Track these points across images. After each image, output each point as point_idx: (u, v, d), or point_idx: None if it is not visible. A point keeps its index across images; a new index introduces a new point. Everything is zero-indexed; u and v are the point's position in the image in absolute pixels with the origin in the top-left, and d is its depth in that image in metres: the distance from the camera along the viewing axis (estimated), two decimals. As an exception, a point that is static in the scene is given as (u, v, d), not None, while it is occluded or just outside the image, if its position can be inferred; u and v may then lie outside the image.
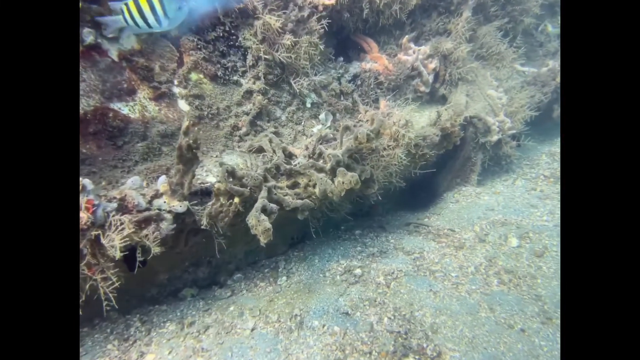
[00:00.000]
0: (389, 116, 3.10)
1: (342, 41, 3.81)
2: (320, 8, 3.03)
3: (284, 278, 2.90)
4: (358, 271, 2.89)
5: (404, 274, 2.85)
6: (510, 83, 4.81)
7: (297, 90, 2.93)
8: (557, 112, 5.22)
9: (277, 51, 2.73)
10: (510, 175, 4.47)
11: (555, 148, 4.87)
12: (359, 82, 3.53)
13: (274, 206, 2.15)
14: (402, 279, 2.79)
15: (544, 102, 4.56)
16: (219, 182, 2.12)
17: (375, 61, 3.71)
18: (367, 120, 3.30)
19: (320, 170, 2.48)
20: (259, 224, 1.96)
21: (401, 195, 4.30)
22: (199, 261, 2.60)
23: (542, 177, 4.22)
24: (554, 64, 4.90)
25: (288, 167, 2.43)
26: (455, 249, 3.15)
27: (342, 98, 3.48)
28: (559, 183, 4.05)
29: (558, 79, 4.53)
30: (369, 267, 2.94)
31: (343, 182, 2.32)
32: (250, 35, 2.67)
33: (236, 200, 2.16)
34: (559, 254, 2.91)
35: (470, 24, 4.17)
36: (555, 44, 5.22)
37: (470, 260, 3.00)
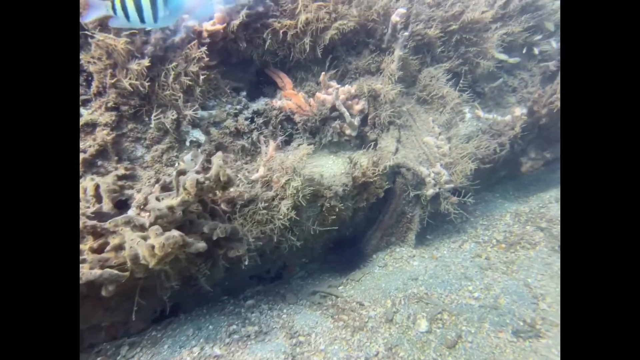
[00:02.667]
0: (272, 161, 2.56)
1: (258, 75, 3.40)
2: (205, 34, 2.63)
3: (112, 367, 2.20)
4: (208, 362, 2.18)
5: (266, 369, 2.13)
6: (467, 130, 4.32)
7: (153, 124, 2.43)
8: (526, 165, 4.64)
9: (127, 77, 2.28)
10: (461, 236, 3.79)
11: (524, 207, 4.21)
12: (261, 121, 3.05)
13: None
14: (260, 378, 2.07)
15: (499, 154, 3.98)
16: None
17: (289, 98, 3.26)
18: (264, 164, 2.76)
19: (141, 227, 1.90)
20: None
21: (328, 254, 3.64)
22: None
23: (494, 242, 3.54)
24: (521, 112, 4.40)
25: (91, 223, 1.85)
26: (353, 331, 2.43)
27: (240, 138, 2.98)
28: (511, 250, 3.36)
29: (517, 129, 4.00)
30: (228, 357, 2.23)
31: (153, 246, 1.72)
32: (94, 58, 2.23)
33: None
34: (474, 345, 2.17)
35: (410, 64, 3.77)
36: (531, 90, 4.75)
37: (365, 348, 2.27)
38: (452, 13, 3.90)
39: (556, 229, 3.47)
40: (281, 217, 2.47)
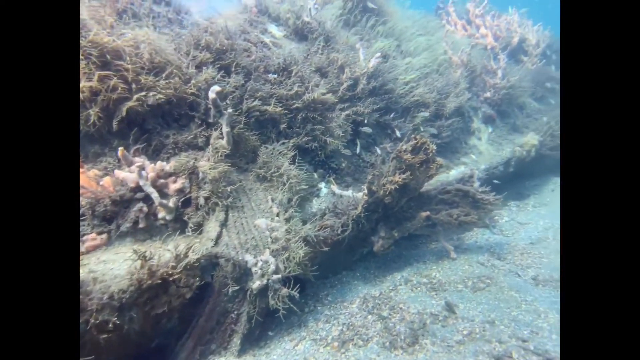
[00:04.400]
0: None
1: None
2: None
3: None
4: None
5: None
6: (320, 206, 4.13)
7: None
8: (377, 244, 4.57)
9: None
10: (301, 331, 3.33)
11: (376, 290, 3.97)
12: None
13: None
14: None
15: (343, 235, 3.80)
16: None
17: (75, 177, 2.64)
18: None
19: None
20: None
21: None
22: None
23: (329, 339, 3.14)
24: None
25: None
26: None
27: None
28: (342, 350, 2.99)
29: (360, 209, 3.91)
30: None
31: None
32: None
33: None
34: None
35: (249, 140, 3.52)
36: (385, 167, 4.86)
37: None
38: (294, 92, 3.87)
39: (394, 319, 3.26)
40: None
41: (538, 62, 9.15)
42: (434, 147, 3.93)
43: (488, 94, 7.28)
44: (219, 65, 3.34)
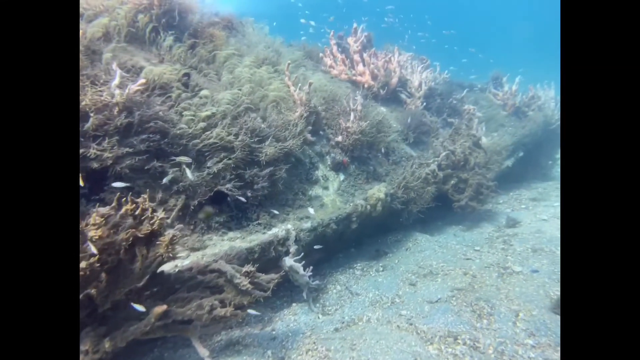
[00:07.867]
0: None
1: None
2: None
3: None
4: None
5: None
6: None
7: None
8: None
9: None
10: None
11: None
12: None
13: None
14: None
15: None
16: None
17: None
18: None
19: None
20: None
21: None
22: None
23: None
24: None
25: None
26: None
27: None
28: None
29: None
30: None
31: None
32: None
33: None
34: None
35: None
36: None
37: None
38: None
39: None
40: None
41: (420, 105, 8.89)
42: (163, 215, 2.67)
43: (339, 138, 6.50)
44: None
